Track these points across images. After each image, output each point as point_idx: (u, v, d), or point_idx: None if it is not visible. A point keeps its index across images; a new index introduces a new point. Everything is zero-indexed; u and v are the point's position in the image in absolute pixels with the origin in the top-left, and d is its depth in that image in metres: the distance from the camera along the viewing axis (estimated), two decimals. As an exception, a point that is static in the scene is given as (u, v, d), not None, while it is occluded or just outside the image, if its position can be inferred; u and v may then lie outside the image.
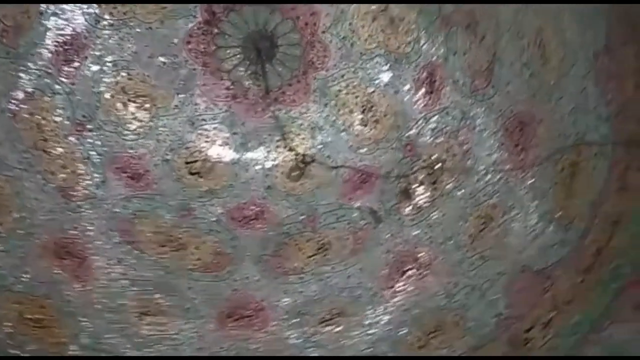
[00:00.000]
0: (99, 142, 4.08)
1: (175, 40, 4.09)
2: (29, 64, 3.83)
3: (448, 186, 4.17)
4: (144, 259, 4.13)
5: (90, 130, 4.05)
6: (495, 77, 3.88)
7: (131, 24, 4.00)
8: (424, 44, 4.09)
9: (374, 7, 4.12)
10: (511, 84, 3.82)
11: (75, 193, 4.03)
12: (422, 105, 4.21)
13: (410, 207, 4.27)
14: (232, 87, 4.28)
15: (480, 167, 4.06)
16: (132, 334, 3.97)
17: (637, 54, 3.08)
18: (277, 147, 4.37)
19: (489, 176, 4.02)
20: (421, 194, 4.27)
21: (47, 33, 3.84)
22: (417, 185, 4.28)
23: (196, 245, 4.23)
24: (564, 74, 3.53)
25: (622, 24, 3.11)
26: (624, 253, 3.45)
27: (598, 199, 3.56)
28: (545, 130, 3.74)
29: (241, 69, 4.28)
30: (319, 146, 4.35)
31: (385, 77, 4.25)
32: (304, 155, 4.26)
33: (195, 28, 4.11)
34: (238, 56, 4.25)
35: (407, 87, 4.22)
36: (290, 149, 4.32)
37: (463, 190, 4.12)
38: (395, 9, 4.10)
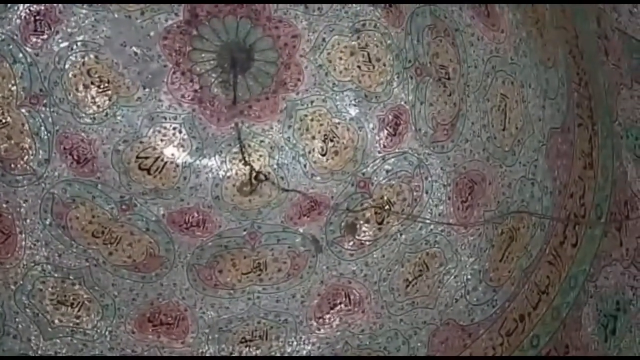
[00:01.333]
0: (51, 119, 3.95)
1: (152, 34, 4.04)
2: (-5, 26, 3.70)
3: (392, 228, 4.24)
4: (72, 247, 3.99)
5: (44, 105, 3.93)
6: (456, 133, 4.00)
7: (110, 8, 3.93)
8: (395, 87, 4.18)
9: (354, 42, 4.20)
10: (469, 143, 3.95)
11: (15, 166, 3.88)
12: (383, 145, 4.29)
13: (352, 243, 4.30)
14: (199, 90, 4.25)
15: (426, 216, 4.14)
16: (44, 322, 3.80)
17: (591, 138, 3.24)
18: (233, 158, 4.34)
19: (432, 226, 4.11)
20: (365, 232, 4.31)
21: (20, -1, 3.72)
22: (363, 222, 4.32)
23: (130, 242, 4.12)
24: (519, 143, 3.68)
25: (581, 107, 3.28)
26: (544, 323, 3.58)
27: (530, 267, 3.69)
28: (492, 192, 3.87)
29: (213, 75, 4.26)
30: (275, 166, 4.35)
31: (353, 111, 4.31)
32: (258, 172, 4.24)
33: (175, 26, 4.07)
34: (212, 62, 4.23)
35: (371, 125, 4.30)
36: (246, 163, 4.30)
37: (405, 235, 4.19)
38: (374, 48, 4.19)
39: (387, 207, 4.25)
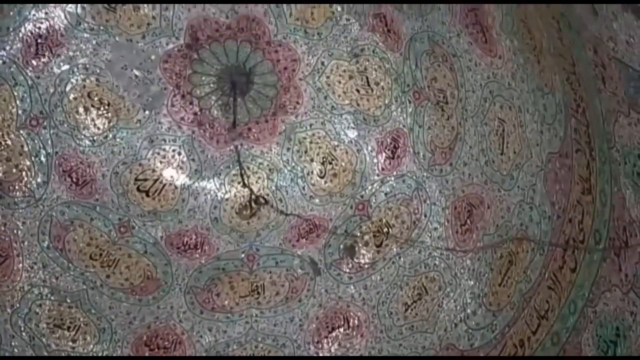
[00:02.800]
0: (51, 142, 3.96)
1: (153, 57, 4.08)
2: (-2, 49, 3.73)
3: (391, 251, 4.23)
4: (69, 270, 3.97)
5: (44, 128, 3.94)
6: (454, 156, 4.02)
7: (112, 31, 3.97)
8: (394, 110, 4.21)
9: (353, 66, 4.24)
10: (467, 166, 3.96)
11: (13, 188, 3.87)
12: (381, 168, 4.30)
13: (351, 266, 4.29)
14: (199, 113, 4.27)
15: (425, 239, 4.14)
16: (40, 346, 3.76)
17: (589, 163, 3.26)
18: (232, 181, 4.35)
19: (431, 249, 4.10)
20: (364, 254, 4.30)
21: (25, 23, 3.76)
22: (362, 244, 4.32)
23: (127, 265, 4.10)
24: (517, 167, 3.70)
25: (579, 133, 3.31)
26: (544, 349, 3.56)
27: (530, 291, 3.68)
28: (491, 216, 3.88)
29: (213, 98, 4.28)
30: (273, 188, 4.35)
31: (352, 134, 4.33)
32: (258, 196, 4.24)
33: (176, 49, 4.11)
34: (212, 85, 4.26)
35: (370, 148, 4.31)
36: (245, 185, 4.30)
37: (404, 259, 4.18)
38: (373, 72, 4.23)
39: (385, 229, 4.24)
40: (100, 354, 3.93)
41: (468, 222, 3.98)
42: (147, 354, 4.00)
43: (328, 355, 4.16)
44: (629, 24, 2.47)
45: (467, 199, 3.99)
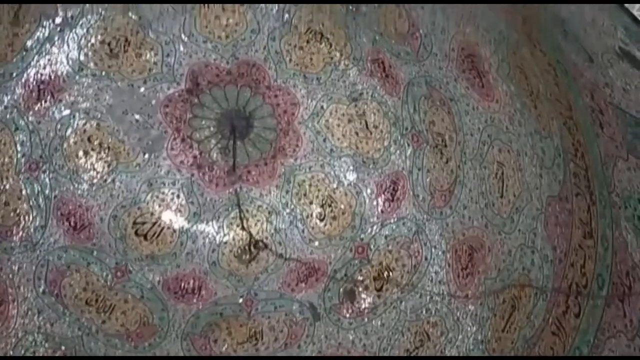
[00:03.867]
0: (50, 186, 3.95)
1: (154, 102, 4.12)
2: (0, 94, 3.76)
3: (392, 296, 4.17)
4: (65, 316, 3.89)
5: (43, 172, 3.94)
6: (454, 199, 4.02)
7: (114, 77, 4.02)
8: (392, 153, 4.23)
9: (352, 110, 4.28)
10: (467, 209, 3.96)
11: (11, 232, 3.84)
12: (381, 211, 4.29)
13: (351, 310, 4.22)
14: (199, 156, 4.28)
15: (426, 283, 4.09)
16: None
17: (589, 208, 3.26)
18: (231, 224, 4.32)
19: (433, 294, 4.05)
20: (364, 299, 4.24)
21: (27, 69, 3.81)
22: (362, 289, 4.26)
23: (123, 310, 4.03)
24: (517, 211, 3.69)
25: (578, 177, 3.32)
26: (550, 397, 3.47)
27: (534, 337, 3.62)
28: (492, 260, 3.84)
29: (212, 141, 4.30)
30: (272, 231, 4.33)
31: (351, 177, 4.34)
32: (257, 240, 4.21)
33: (177, 94, 4.16)
34: (212, 128, 4.29)
35: (369, 191, 4.31)
36: (244, 228, 4.28)
37: (405, 303, 4.12)
38: (371, 116, 4.27)
39: (386, 273, 4.20)
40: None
41: (469, 265, 3.94)
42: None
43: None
44: (625, 72, 2.51)
45: (467, 242, 3.97)
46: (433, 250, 4.09)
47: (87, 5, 3.86)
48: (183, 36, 4.09)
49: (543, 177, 3.53)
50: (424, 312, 4.06)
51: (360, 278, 4.25)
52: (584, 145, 3.22)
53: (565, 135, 3.36)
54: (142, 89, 4.09)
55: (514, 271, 3.73)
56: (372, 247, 4.26)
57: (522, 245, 3.69)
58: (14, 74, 3.79)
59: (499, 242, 3.80)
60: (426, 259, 4.11)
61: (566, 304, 3.47)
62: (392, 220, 4.24)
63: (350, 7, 4.06)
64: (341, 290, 4.25)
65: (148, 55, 4.06)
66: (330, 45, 4.19)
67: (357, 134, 4.29)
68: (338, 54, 4.20)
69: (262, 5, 4.10)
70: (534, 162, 3.56)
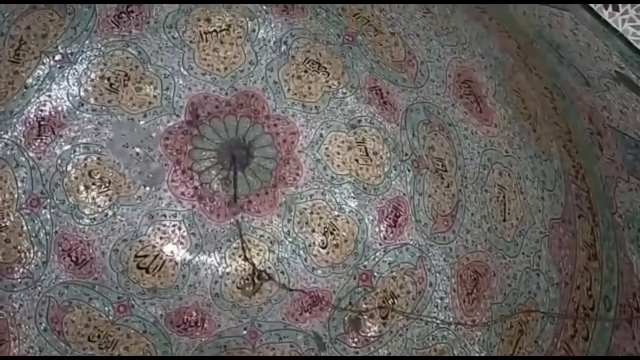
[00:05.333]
0: (51, 221, 3.94)
1: (154, 135, 4.14)
2: (1, 132, 3.78)
3: (398, 323, 4.12)
4: (67, 353, 3.84)
5: (44, 207, 3.93)
6: (456, 224, 4.01)
7: (114, 111, 4.05)
8: (393, 179, 4.24)
9: (351, 137, 4.30)
10: (470, 234, 3.94)
11: (12, 270, 3.81)
12: (383, 237, 4.27)
13: (357, 339, 4.17)
14: (200, 188, 4.28)
15: (432, 309, 4.05)
16: None
17: (592, 229, 3.25)
18: (233, 254, 4.30)
19: (439, 320, 4.00)
20: (370, 327, 4.19)
21: (27, 107, 3.83)
22: (367, 316, 4.21)
23: (126, 346, 3.97)
24: (521, 234, 3.68)
25: (580, 199, 3.31)
26: None
27: (543, 362, 3.57)
28: (498, 285, 3.81)
29: (213, 172, 4.31)
30: (275, 260, 4.30)
31: (352, 203, 4.33)
32: (261, 271, 4.18)
33: (176, 126, 4.18)
34: (212, 159, 4.30)
35: (371, 217, 4.30)
36: (246, 259, 4.25)
37: (412, 331, 4.07)
38: (371, 142, 4.29)
39: (390, 301, 4.16)
40: None
41: (474, 290, 3.91)
42: None
43: None
44: (622, 95, 2.53)
45: (472, 267, 3.94)
46: (437, 275, 4.06)
47: (87, 41, 3.91)
48: (182, 69, 4.13)
49: (545, 199, 3.52)
50: (430, 339, 4.01)
51: (365, 306, 4.21)
52: (585, 167, 3.23)
53: (565, 158, 3.37)
54: (142, 123, 4.11)
55: (520, 295, 3.70)
56: (375, 274, 4.23)
57: (527, 269, 3.67)
58: (15, 111, 3.82)
59: (503, 266, 3.78)
60: (431, 284, 4.08)
61: (574, 327, 3.43)
62: (395, 247, 4.21)
63: (346, 37, 4.11)
64: (346, 319, 4.20)
65: (148, 89, 4.09)
66: (328, 74, 4.23)
67: (357, 160, 4.30)
68: (336, 83, 4.23)
69: (260, 37, 4.16)
70: (535, 185, 3.56)
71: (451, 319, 3.95)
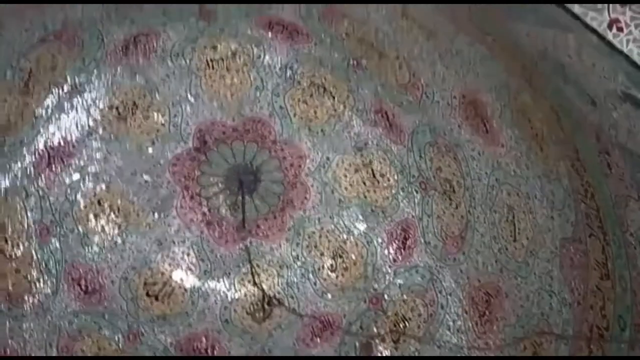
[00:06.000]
0: (60, 250, 3.95)
1: (162, 162, 4.16)
2: (11, 163, 3.81)
3: (410, 347, 4.08)
4: (77, 383, 3.81)
5: (54, 237, 3.94)
6: (466, 245, 3.99)
7: (122, 139, 4.08)
8: (401, 201, 4.23)
9: (358, 159, 4.31)
10: (481, 255, 3.92)
11: (23, 300, 3.80)
12: (393, 259, 4.25)
13: (369, 364, 4.12)
14: (208, 213, 4.29)
15: (444, 332, 4.01)
16: None
17: (604, 248, 3.23)
18: (242, 280, 4.28)
19: (451, 344, 3.95)
20: (381, 352, 4.14)
21: (37, 137, 3.88)
22: (378, 341, 4.17)
23: (137, 376, 3.94)
24: (532, 254, 3.65)
25: (590, 218, 3.30)
26: None
27: (558, 384, 3.51)
28: (510, 306, 3.77)
29: (221, 197, 4.32)
30: (285, 285, 4.28)
31: (360, 226, 4.32)
32: (270, 297, 4.16)
33: (184, 153, 4.20)
34: (220, 185, 4.31)
35: (380, 239, 4.29)
36: (255, 284, 4.23)
37: (424, 354, 4.02)
38: (378, 165, 4.30)
39: (402, 325, 4.12)
40: None
41: (487, 312, 3.87)
42: None
43: None
44: (629, 114, 2.54)
45: (483, 289, 3.91)
46: (449, 297, 4.02)
47: (95, 71, 3.97)
48: (189, 97, 4.17)
49: (555, 219, 3.51)
50: (443, 363, 3.96)
51: (376, 330, 4.17)
52: (594, 185, 3.22)
53: (573, 177, 3.36)
54: (150, 150, 4.14)
55: (533, 316, 3.66)
56: (386, 297, 4.20)
57: (539, 290, 3.64)
58: (25, 142, 3.86)
59: (515, 287, 3.74)
60: (442, 307, 4.04)
61: (589, 348, 3.39)
62: (405, 269, 4.19)
63: (351, 61, 4.16)
64: (357, 343, 4.16)
65: (156, 117, 4.13)
66: (334, 98, 4.26)
67: (364, 183, 4.30)
68: (341, 106, 4.26)
69: (266, 63, 4.21)
70: (545, 205, 3.55)
71: (464, 342, 3.90)
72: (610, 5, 2.03)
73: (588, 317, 3.39)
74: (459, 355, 3.86)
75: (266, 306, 4.13)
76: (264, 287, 4.20)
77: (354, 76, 4.17)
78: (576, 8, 1.97)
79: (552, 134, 3.40)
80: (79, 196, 4.01)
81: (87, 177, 4.03)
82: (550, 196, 3.51)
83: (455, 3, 3.18)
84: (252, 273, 4.20)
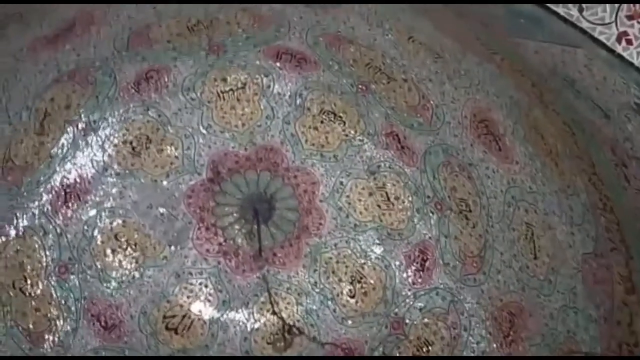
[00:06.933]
0: (79, 287, 3.96)
1: (177, 194, 4.19)
2: (28, 202, 3.86)
3: (434, 372, 4.00)
4: (100, 422, 3.78)
5: (72, 274, 3.96)
6: (486, 264, 3.93)
7: (137, 174, 4.12)
8: (417, 223, 4.20)
9: (371, 183, 4.31)
10: (501, 274, 3.86)
11: (43, 339, 3.80)
12: (412, 282, 4.20)
13: (393, 391, 4.04)
14: (224, 243, 4.28)
15: (468, 354, 3.93)
16: None
17: (627, 262, 3.17)
18: (261, 309, 4.25)
19: (477, 366, 3.88)
20: (404, 377, 4.06)
21: (53, 175, 3.92)
22: (401, 366, 4.09)
23: (159, 412, 3.90)
24: (554, 271, 3.60)
25: (611, 232, 3.25)
26: None
27: (590, 404, 3.42)
28: (535, 325, 3.70)
29: (236, 227, 4.32)
30: (304, 313, 4.24)
31: (377, 250, 4.29)
32: (290, 326, 4.12)
33: (198, 184, 4.23)
34: (235, 214, 4.32)
35: (398, 262, 4.25)
36: (275, 313, 4.19)
37: (449, 380, 3.94)
38: (392, 187, 4.28)
39: (425, 348, 4.05)
40: None
41: (511, 333, 3.79)
42: None
43: None
44: (644, 125, 2.52)
45: (506, 308, 3.84)
46: (471, 319, 3.95)
47: (109, 108, 4.03)
48: (201, 128, 4.22)
49: (575, 234, 3.46)
50: (469, 386, 3.88)
51: (398, 354, 4.09)
52: (612, 199, 3.19)
53: (591, 191, 3.33)
54: (165, 183, 4.17)
55: (558, 334, 3.58)
56: (407, 321, 4.14)
57: (563, 307, 3.57)
58: (41, 181, 3.91)
59: (539, 305, 3.68)
60: (465, 329, 3.97)
61: (619, 365, 3.30)
62: (424, 291, 4.13)
63: (360, 87, 4.19)
64: (380, 369, 4.09)
65: (169, 150, 4.17)
66: (344, 123, 4.28)
67: (379, 206, 4.29)
68: (352, 131, 4.28)
69: (275, 92, 4.25)
70: (564, 220, 3.51)
71: (489, 363, 3.82)
72: (618, 18, 2.03)
73: (616, 333, 3.31)
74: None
75: (286, 335, 4.09)
76: (284, 315, 4.17)
77: (364, 101, 4.20)
78: (584, 23, 1.98)
79: (566, 149, 3.38)
80: (96, 232, 4.03)
81: (103, 213, 4.06)
82: (569, 211, 3.47)
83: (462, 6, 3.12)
84: (270, 302, 4.17)
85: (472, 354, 3.91)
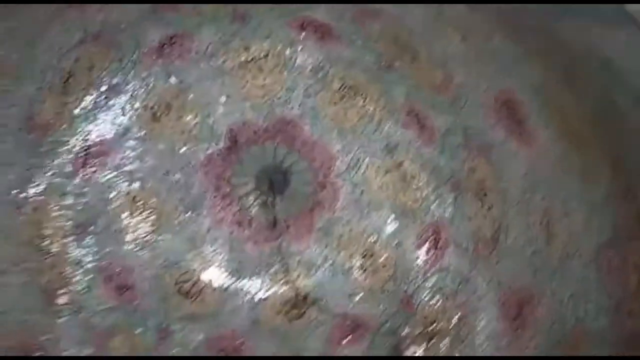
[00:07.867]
0: (95, 248, 4.01)
1: (194, 162, 4.20)
2: (48, 162, 3.89)
3: (441, 350, 4.03)
4: (111, 380, 3.86)
5: (89, 234, 4.00)
6: (499, 247, 3.93)
7: (156, 140, 4.13)
8: (432, 202, 4.20)
9: (388, 161, 4.29)
10: (514, 258, 3.86)
11: (57, 296, 3.87)
12: (423, 262, 4.21)
13: (399, 367, 4.09)
14: (239, 213, 4.31)
15: (476, 336, 3.95)
16: None
17: (643, 251, 3.16)
18: (272, 279, 4.29)
19: (484, 347, 3.90)
20: (412, 354, 4.11)
21: (74, 136, 3.95)
22: (409, 343, 4.14)
23: (169, 373, 3.97)
24: (567, 258, 3.58)
25: (630, 219, 3.22)
26: None
27: (595, 392, 3.44)
28: (544, 310, 3.70)
29: (252, 197, 4.34)
30: (314, 285, 4.28)
31: (390, 228, 4.29)
32: (301, 296, 4.17)
33: (216, 153, 4.24)
34: (250, 185, 4.34)
35: (410, 241, 4.25)
36: (286, 283, 4.24)
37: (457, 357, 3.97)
38: (409, 166, 4.27)
39: (432, 327, 4.08)
40: None
41: (520, 316, 3.81)
42: None
43: None
44: (674, 114, 2.48)
45: (516, 292, 3.85)
46: (481, 301, 3.97)
47: (132, 72, 4.03)
48: (222, 97, 4.21)
49: (592, 222, 3.44)
50: (474, 366, 3.91)
51: (405, 332, 4.13)
52: (635, 186, 3.15)
53: (613, 178, 3.30)
54: (182, 150, 4.18)
55: (567, 321, 3.58)
56: (416, 299, 4.16)
57: (574, 295, 3.56)
58: (62, 141, 3.93)
59: (549, 291, 3.67)
60: (473, 310, 3.99)
61: (627, 357, 3.30)
62: (435, 271, 4.15)
63: (383, 63, 4.15)
64: (387, 345, 4.13)
65: (188, 117, 4.17)
66: (365, 100, 4.25)
67: (394, 185, 4.28)
68: (372, 108, 4.25)
69: (297, 64, 4.22)
70: (582, 207, 3.48)
71: (496, 346, 3.84)
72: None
73: (627, 323, 3.31)
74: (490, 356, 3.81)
75: (297, 306, 4.13)
76: (295, 286, 4.21)
77: (386, 77, 4.16)
78: (629, 6, 1.94)
79: (590, 134, 3.35)
80: (113, 194, 4.07)
81: (121, 176, 4.09)
82: (588, 198, 3.45)
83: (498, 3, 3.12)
84: (282, 272, 4.21)
85: (479, 336, 3.93)
